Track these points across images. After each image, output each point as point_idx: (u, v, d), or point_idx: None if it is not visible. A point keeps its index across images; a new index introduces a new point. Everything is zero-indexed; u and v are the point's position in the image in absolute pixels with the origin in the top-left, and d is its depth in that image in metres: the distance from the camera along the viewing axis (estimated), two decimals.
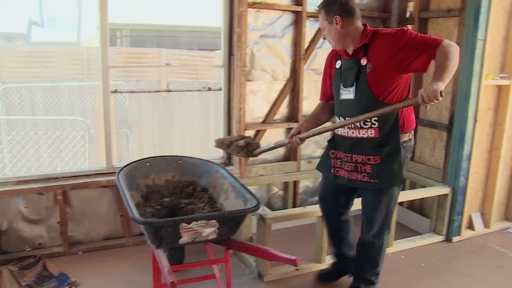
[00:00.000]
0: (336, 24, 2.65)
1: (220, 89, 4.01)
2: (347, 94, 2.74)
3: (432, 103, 2.32)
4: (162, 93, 7.39)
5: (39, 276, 3.20)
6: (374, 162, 2.74)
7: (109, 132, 3.70)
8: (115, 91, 3.78)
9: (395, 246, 3.83)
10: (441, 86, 2.31)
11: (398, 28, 2.65)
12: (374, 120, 2.67)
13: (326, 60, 2.99)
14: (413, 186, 4.38)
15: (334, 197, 3.08)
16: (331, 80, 2.90)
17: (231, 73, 3.94)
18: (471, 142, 3.86)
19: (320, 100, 3.06)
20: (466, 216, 4.08)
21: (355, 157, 2.79)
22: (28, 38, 11.80)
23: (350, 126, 2.75)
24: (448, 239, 4.04)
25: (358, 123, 2.69)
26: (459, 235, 4.05)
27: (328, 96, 2.97)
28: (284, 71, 4.15)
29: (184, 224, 2.46)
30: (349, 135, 2.79)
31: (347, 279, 3.25)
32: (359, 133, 2.75)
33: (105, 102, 3.63)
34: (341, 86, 2.78)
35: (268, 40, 4.02)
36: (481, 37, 3.65)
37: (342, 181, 2.91)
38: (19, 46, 9.80)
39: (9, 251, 3.49)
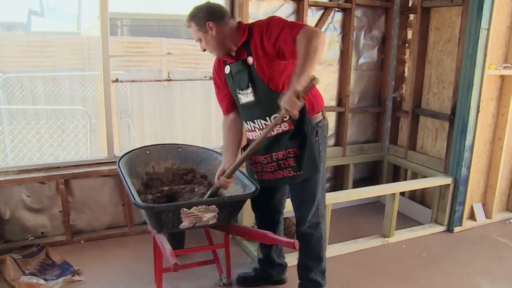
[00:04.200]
0: (211, 30, 2.50)
1: None
2: (247, 97, 2.60)
3: (298, 109, 2.21)
4: (163, 83, 7.35)
5: (42, 264, 3.22)
6: (293, 154, 2.61)
7: (110, 121, 3.70)
8: (116, 81, 3.78)
9: (396, 236, 3.84)
10: (295, 90, 2.17)
11: (268, 18, 2.51)
12: None
13: (213, 71, 2.81)
14: (415, 176, 4.38)
15: (267, 200, 2.94)
16: (226, 89, 2.75)
17: None
18: (474, 132, 3.85)
19: (225, 115, 2.85)
20: (468, 207, 4.08)
21: (275, 155, 2.64)
22: (28, 27, 11.71)
23: (261, 128, 2.62)
24: (449, 229, 4.05)
25: (269, 121, 2.57)
26: (460, 225, 4.06)
27: (231, 108, 2.80)
28: None
29: (185, 209, 2.50)
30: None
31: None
32: (273, 131, 2.58)
33: (106, 92, 3.62)
34: (238, 91, 2.63)
35: None
36: (484, 27, 3.63)
37: (269, 183, 2.77)
38: (19, 36, 9.74)
39: (12, 239, 3.51)
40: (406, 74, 4.52)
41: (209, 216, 2.58)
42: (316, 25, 4.15)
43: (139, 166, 3.17)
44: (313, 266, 2.87)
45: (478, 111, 3.81)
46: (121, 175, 2.81)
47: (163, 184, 3.10)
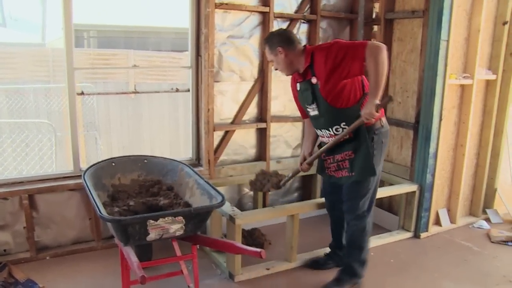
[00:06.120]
0: (281, 54, 2.95)
1: (188, 90, 3.99)
2: (313, 111, 3.05)
3: (374, 118, 2.81)
4: (130, 95, 7.29)
5: (5, 283, 3.13)
6: (348, 157, 3.02)
7: (75, 134, 3.64)
8: (82, 93, 3.73)
9: None
10: (375, 104, 2.71)
11: (331, 42, 2.94)
12: (343, 125, 2.97)
13: (290, 84, 3.24)
14: (382, 184, 4.41)
15: (333, 193, 3.33)
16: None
17: (199, 74, 3.92)
18: (437, 140, 3.95)
19: (303, 119, 3.33)
20: (433, 213, 4.17)
21: (336, 157, 3.10)
22: None
23: (327, 135, 3.08)
24: (416, 235, 4.12)
25: (332, 131, 3.03)
26: (426, 231, 4.14)
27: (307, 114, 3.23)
28: (252, 71, 4.16)
29: (151, 221, 2.49)
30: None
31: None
32: (346, 135, 3.00)
33: (71, 105, 3.57)
34: (306, 105, 3.08)
35: (236, 41, 4.02)
36: (444, 38, 3.74)
37: (334, 180, 3.20)
38: None
39: None
40: None
41: (176, 227, 2.57)
42: None
43: (105, 179, 3.13)
44: (354, 254, 3.21)
45: (440, 119, 3.91)
46: (86, 188, 2.78)
47: (129, 196, 3.07)
